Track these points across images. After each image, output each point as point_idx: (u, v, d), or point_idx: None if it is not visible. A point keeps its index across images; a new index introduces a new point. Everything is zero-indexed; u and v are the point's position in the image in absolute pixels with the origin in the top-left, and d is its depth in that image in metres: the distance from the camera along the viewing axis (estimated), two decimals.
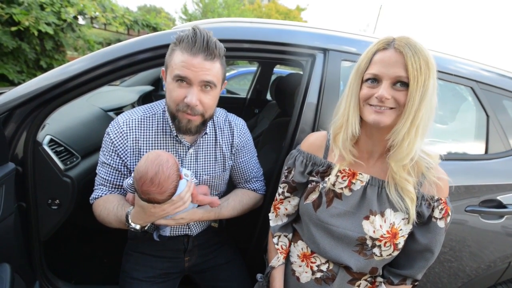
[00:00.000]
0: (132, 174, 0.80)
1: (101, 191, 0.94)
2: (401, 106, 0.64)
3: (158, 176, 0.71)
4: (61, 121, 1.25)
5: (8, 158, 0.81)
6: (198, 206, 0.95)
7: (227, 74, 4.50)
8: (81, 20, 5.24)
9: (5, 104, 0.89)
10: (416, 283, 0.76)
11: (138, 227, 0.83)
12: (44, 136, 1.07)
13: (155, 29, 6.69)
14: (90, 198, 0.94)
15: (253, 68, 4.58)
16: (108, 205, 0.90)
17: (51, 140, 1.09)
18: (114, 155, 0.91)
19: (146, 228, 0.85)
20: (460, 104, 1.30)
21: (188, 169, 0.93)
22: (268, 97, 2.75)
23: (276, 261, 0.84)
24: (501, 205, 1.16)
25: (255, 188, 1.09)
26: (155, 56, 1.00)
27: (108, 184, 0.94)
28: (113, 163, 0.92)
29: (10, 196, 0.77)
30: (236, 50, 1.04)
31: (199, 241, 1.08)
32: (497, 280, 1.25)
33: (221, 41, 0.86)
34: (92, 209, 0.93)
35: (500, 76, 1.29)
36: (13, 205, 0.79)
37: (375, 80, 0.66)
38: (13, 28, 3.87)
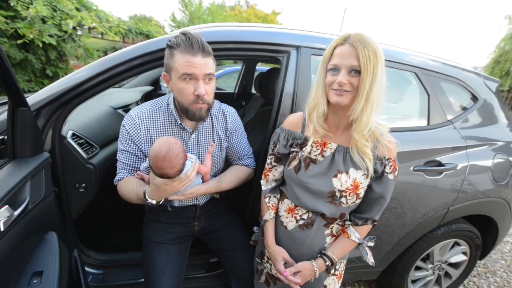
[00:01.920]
0: (147, 158, 0.86)
1: (123, 174, 0.98)
2: (356, 89, 0.71)
3: (169, 154, 0.77)
4: (79, 118, 1.26)
5: (43, 149, 0.85)
6: (202, 182, 1.02)
7: (216, 73, 4.49)
8: (80, 31, 5.02)
9: (32, 105, 0.91)
10: (375, 223, 0.86)
11: (154, 202, 0.88)
12: (67, 131, 1.09)
13: (147, 36, 6.46)
14: (114, 181, 0.99)
15: (238, 67, 4.57)
16: (128, 185, 0.95)
17: (73, 134, 1.11)
18: (131, 143, 0.96)
19: (160, 202, 0.91)
20: (407, 87, 1.40)
21: (192, 154, 0.99)
22: (253, 91, 2.79)
23: (268, 215, 0.92)
24: (440, 164, 1.29)
25: (247, 163, 1.16)
26: (150, 60, 1.02)
27: (128, 168, 0.99)
28: (130, 149, 0.97)
29: (49, 178, 0.81)
30: (223, 50, 1.08)
31: (205, 209, 1.15)
32: (440, 223, 1.38)
33: (210, 43, 0.89)
34: (117, 189, 0.98)
35: (438, 63, 1.40)
36: (51, 186, 0.83)
37: (336, 69, 0.73)
38: (19, 41, 3.69)
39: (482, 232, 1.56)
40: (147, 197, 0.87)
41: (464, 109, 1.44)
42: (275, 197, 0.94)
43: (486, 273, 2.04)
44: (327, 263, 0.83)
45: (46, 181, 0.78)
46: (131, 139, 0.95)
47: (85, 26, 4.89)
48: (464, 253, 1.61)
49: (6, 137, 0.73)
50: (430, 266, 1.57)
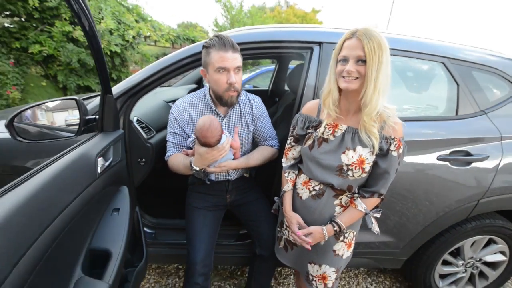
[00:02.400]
0: (192, 135, 1.09)
1: (172, 151, 1.23)
2: (362, 76, 0.82)
3: (211, 127, 1.00)
4: (142, 108, 1.59)
5: (119, 126, 1.15)
6: (234, 158, 1.22)
7: (253, 73, 4.73)
8: (138, 40, 5.79)
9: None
10: (381, 197, 0.94)
11: (198, 168, 1.09)
12: (133, 117, 1.41)
13: (193, 42, 7.07)
14: (165, 157, 1.24)
15: (272, 67, 4.75)
16: (177, 159, 1.19)
17: (137, 120, 1.42)
18: (177, 126, 1.21)
19: (202, 170, 1.11)
20: (433, 77, 1.40)
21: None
22: (286, 88, 2.93)
23: (287, 187, 1.07)
24: (468, 154, 1.27)
25: (271, 144, 1.32)
26: (193, 61, 1.25)
27: (175, 146, 1.24)
28: (177, 131, 1.21)
29: (123, 148, 1.10)
30: (250, 50, 1.25)
31: (236, 185, 1.34)
32: (468, 215, 1.35)
33: (245, 43, 1.10)
34: (168, 164, 1.23)
35: (470, 52, 1.37)
36: (124, 154, 1.12)
37: (345, 60, 0.84)
38: None
39: None
40: (192, 165, 1.10)
41: (502, 99, 1.38)
42: (293, 172, 1.09)
43: None
44: (335, 228, 0.95)
45: (121, 149, 1.07)
46: (177, 122, 1.20)
47: (142, 35, 5.62)
48: (503, 253, 1.52)
49: (97, 116, 1.03)
50: (461, 262, 1.52)
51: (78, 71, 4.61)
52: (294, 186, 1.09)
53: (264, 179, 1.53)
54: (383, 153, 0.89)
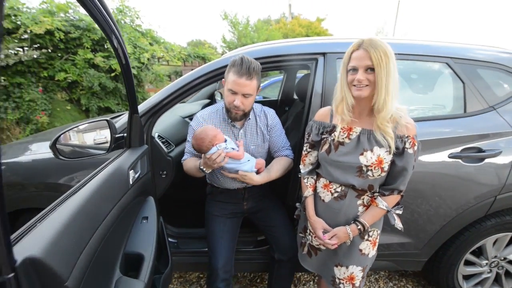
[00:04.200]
0: None
1: (187, 156, 1.34)
2: (372, 83, 0.87)
3: (198, 136, 1.12)
4: (161, 125, 1.71)
5: (144, 142, 1.26)
6: (257, 173, 1.27)
7: (263, 83, 4.87)
8: (152, 61, 6.12)
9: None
10: (401, 193, 0.97)
11: (205, 169, 1.17)
12: (155, 133, 1.52)
13: (203, 59, 7.37)
14: (182, 159, 1.35)
15: (280, 77, 4.86)
16: (191, 163, 1.28)
17: (158, 136, 1.53)
18: None
19: (208, 171, 1.18)
20: (438, 77, 1.43)
21: (235, 143, 1.24)
22: (295, 97, 3.01)
23: (307, 193, 1.10)
24: (480, 150, 1.28)
25: (286, 154, 1.37)
26: (207, 79, 1.35)
27: (190, 153, 1.33)
28: None
29: (149, 162, 1.20)
30: (267, 63, 1.35)
31: (252, 192, 1.40)
32: (486, 212, 1.33)
33: (257, 58, 1.18)
34: (183, 167, 1.33)
35: (473, 50, 1.39)
36: (150, 167, 1.23)
37: (354, 69, 0.90)
38: (112, 74, 4.79)
39: None
40: (201, 166, 1.18)
41: (510, 93, 1.38)
42: (312, 178, 1.12)
43: None
44: (359, 227, 0.98)
45: (147, 163, 1.17)
46: None
47: (156, 57, 5.94)
48: None
49: (125, 134, 1.14)
50: (485, 262, 1.48)
51: (98, 93, 4.93)
52: (315, 190, 1.12)
53: (279, 186, 1.59)
54: (399, 152, 0.92)
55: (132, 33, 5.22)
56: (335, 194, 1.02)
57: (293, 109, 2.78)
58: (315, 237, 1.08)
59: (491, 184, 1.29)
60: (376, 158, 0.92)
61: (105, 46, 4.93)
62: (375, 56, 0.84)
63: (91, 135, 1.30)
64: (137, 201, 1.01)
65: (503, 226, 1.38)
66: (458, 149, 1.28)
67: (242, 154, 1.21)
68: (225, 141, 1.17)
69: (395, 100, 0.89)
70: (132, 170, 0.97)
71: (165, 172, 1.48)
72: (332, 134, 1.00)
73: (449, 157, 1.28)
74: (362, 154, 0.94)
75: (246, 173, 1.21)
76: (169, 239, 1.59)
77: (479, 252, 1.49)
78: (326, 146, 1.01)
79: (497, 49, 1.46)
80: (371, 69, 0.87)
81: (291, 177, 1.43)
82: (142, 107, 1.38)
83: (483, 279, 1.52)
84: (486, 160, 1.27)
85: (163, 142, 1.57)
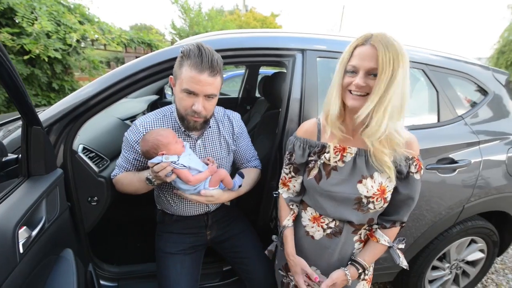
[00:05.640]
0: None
1: (118, 171, 1.03)
2: None
3: (144, 139, 0.90)
4: (89, 132, 1.27)
5: (56, 165, 0.85)
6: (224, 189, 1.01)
7: None
8: (83, 44, 5.10)
9: (44, 122, 0.92)
10: (403, 224, 0.83)
11: (154, 180, 0.89)
12: (78, 145, 1.10)
13: (149, 45, 6.52)
14: (112, 175, 1.04)
15: (240, 71, 4.58)
16: (128, 176, 1.00)
17: (84, 148, 1.11)
18: (131, 151, 0.99)
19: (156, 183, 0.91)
20: (415, 84, 1.37)
21: (202, 162, 0.98)
22: (257, 94, 2.79)
23: (287, 222, 0.89)
24: (453, 161, 1.26)
25: (255, 165, 1.16)
26: (161, 70, 1.02)
27: (123, 167, 1.02)
28: (129, 157, 1.00)
29: (63, 195, 0.81)
30: (229, 58, 1.07)
31: (216, 218, 1.14)
32: (455, 221, 1.35)
33: (217, 51, 0.90)
34: (114, 183, 1.03)
35: (445, 58, 1.38)
36: (66, 202, 0.83)
37: (354, 71, 0.70)
38: (26, 57, 3.76)
39: (498, 228, 1.52)
40: (149, 176, 0.89)
41: (474, 103, 1.41)
42: (296, 204, 0.91)
43: (504, 269, 1.98)
44: (359, 271, 0.81)
45: (60, 198, 0.78)
46: (132, 147, 0.98)
47: (88, 39, 4.96)
48: (481, 251, 1.56)
49: (20, 155, 0.73)
50: (447, 265, 1.53)
51: None
52: (298, 221, 0.91)
53: (248, 204, 1.35)
54: (403, 176, 0.76)
55: (54, 7, 4.20)
56: (328, 231, 0.83)
57: (256, 108, 2.55)
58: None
59: (462, 193, 1.29)
60: (378, 187, 0.75)
61: (16, 21, 3.84)
62: (383, 57, 0.63)
63: None
64: (41, 269, 0.63)
65: (465, 231, 1.43)
66: (434, 160, 1.24)
67: (202, 177, 0.94)
68: (181, 155, 0.89)
69: (391, 119, 0.68)
70: (25, 227, 0.58)
71: (95, 199, 1.09)
72: (322, 157, 0.80)
73: (427, 168, 1.22)
74: (360, 182, 0.76)
75: (211, 192, 0.95)
76: (107, 284, 1.21)
77: (443, 257, 1.52)
78: (314, 172, 0.80)
79: (459, 57, 1.47)
80: (374, 74, 0.67)
81: (263, 194, 1.20)
82: (56, 109, 0.96)
83: (445, 281, 1.58)
84: (458, 170, 1.26)
85: (92, 158, 1.16)
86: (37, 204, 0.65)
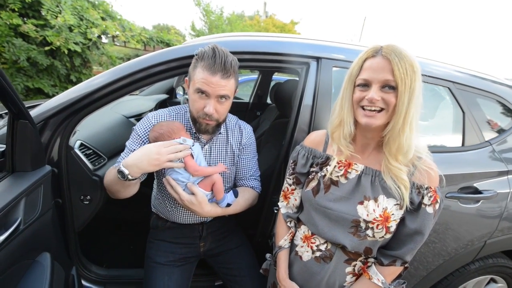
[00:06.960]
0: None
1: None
2: (390, 107, 0.63)
3: (155, 128, 0.88)
4: (90, 128, 1.24)
5: (45, 162, 0.81)
6: (215, 201, 0.94)
7: None
8: (104, 39, 5.24)
9: (40, 115, 0.89)
10: (405, 265, 0.72)
11: (128, 174, 0.78)
12: (75, 141, 1.06)
13: (168, 45, 6.64)
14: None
15: (254, 76, 4.54)
16: (110, 172, 0.89)
17: (81, 145, 1.08)
18: (140, 144, 0.91)
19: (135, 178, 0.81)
20: (439, 103, 1.27)
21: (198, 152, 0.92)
22: (268, 101, 2.73)
23: (284, 242, 0.83)
24: (477, 191, 1.14)
25: (252, 185, 1.06)
26: (168, 69, 0.99)
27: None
28: (133, 148, 0.91)
29: (47, 194, 0.76)
30: (243, 61, 1.02)
31: (212, 229, 1.07)
32: (475, 257, 1.22)
33: (233, 52, 0.87)
34: (104, 183, 0.92)
35: (474, 77, 1.26)
36: (50, 202, 0.79)
37: (366, 85, 0.65)
38: (47, 48, 3.88)
39: None
40: (121, 168, 0.79)
41: (503, 129, 1.28)
42: (294, 221, 0.85)
43: None
44: None
45: (44, 197, 0.73)
46: (140, 137, 0.92)
47: (109, 35, 5.09)
48: None
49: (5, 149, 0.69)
50: None
51: (27, 71, 3.96)
52: (292, 241, 0.84)
53: (248, 216, 1.27)
54: (413, 207, 0.68)
55: (79, 2, 4.34)
56: (317, 253, 0.75)
57: (266, 114, 2.49)
58: None
59: (484, 227, 1.16)
60: (381, 212, 0.67)
61: (42, 13, 3.99)
62: (399, 69, 0.60)
63: None
64: (9, 275, 0.58)
65: (485, 269, 1.29)
66: (456, 188, 1.12)
67: (208, 170, 0.90)
68: (193, 144, 0.86)
69: (415, 133, 0.65)
70: None
71: (88, 198, 1.05)
72: (324, 169, 0.74)
73: (446, 197, 1.11)
74: (361, 203, 0.68)
75: (196, 189, 0.87)
76: (93, 286, 1.16)
77: None
78: (313, 184, 0.75)
79: (490, 76, 1.35)
80: (390, 87, 0.62)
81: (264, 208, 1.13)
82: (56, 102, 0.93)
83: None
84: (481, 201, 1.14)
85: (89, 155, 1.12)
86: (14, 203, 0.60)
